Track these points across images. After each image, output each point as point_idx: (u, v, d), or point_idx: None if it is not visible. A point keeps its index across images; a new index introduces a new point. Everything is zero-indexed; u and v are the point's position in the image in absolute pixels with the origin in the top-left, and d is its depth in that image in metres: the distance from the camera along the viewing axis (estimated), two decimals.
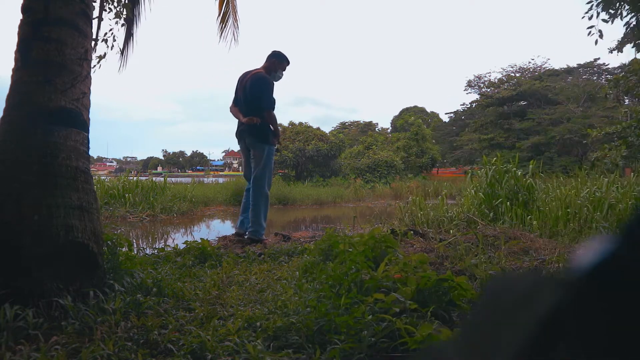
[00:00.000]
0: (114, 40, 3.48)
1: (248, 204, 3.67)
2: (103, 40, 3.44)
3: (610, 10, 4.76)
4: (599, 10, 4.79)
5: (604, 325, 0.16)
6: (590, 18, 4.87)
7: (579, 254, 0.18)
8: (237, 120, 3.74)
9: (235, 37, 4.05)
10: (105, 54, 3.52)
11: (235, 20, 4.00)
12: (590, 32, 4.91)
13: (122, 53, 3.75)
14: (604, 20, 4.83)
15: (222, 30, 3.93)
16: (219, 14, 3.91)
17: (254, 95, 3.57)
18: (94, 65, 3.66)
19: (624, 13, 4.75)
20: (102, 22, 3.24)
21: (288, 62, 3.82)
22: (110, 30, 3.38)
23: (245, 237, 3.62)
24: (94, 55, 3.57)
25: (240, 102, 3.68)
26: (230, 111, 3.78)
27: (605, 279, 0.17)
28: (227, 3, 3.90)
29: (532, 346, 0.17)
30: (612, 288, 0.17)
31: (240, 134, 3.68)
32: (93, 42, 2.12)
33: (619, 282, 0.17)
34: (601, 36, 4.90)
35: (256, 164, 3.60)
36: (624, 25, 4.86)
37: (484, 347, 0.19)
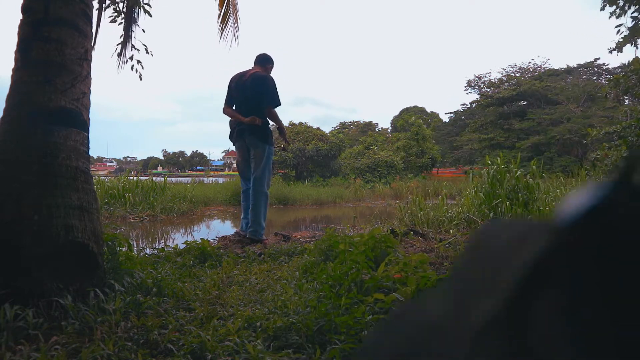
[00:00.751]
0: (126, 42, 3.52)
1: (248, 205, 3.67)
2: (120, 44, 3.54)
3: (613, 6, 4.77)
4: (621, 6, 4.78)
5: (595, 273, 0.16)
6: (618, 16, 4.87)
7: (572, 198, 0.17)
8: (229, 121, 3.75)
9: (236, 37, 4.05)
10: (133, 56, 3.61)
11: (236, 20, 3.99)
12: (619, 30, 4.92)
13: (119, 55, 3.76)
14: (634, 19, 4.82)
15: (222, 30, 3.93)
16: (220, 14, 3.90)
17: (258, 92, 3.54)
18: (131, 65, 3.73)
19: (628, 11, 4.75)
20: (101, 22, 3.24)
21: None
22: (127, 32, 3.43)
23: (246, 237, 3.63)
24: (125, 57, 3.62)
25: (238, 102, 3.67)
26: (225, 112, 3.75)
27: (596, 225, 0.17)
28: (228, 3, 3.89)
29: (520, 292, 0.16)
30: (603, 234, 0.16)
31: (239, 134, 3.64)
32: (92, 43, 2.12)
33: (611, 228, 0.16)
34: (631, 29, 4.91)
35: (257, 164, 3.59)
36: (632, 21, 4.86)
37: (467, 299, 0.19)
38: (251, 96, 3.56)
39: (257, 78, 3.59)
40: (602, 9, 4.92)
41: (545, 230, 0.18)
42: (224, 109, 3.76)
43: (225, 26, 3.93)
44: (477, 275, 0.20)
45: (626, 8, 4.76)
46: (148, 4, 3.68)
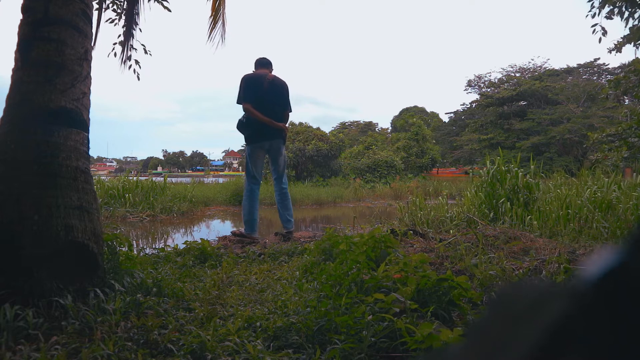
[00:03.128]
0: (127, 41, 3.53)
1: (256, 206, 3.78)
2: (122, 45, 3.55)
3: (609, 7, 4.78)
4: (597, 7, 4.81)
5: (611, 336, 0.16)
6: (593, 16, 4.90)
7: (587, 262, 0.18)
8: (246, 117, 3.75)
9: (223, 39, 4.02)
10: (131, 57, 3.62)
11: (224, 23, 3.96)
12: (594, 30, 4.94)
13: (118, 55, 3.76)
14: (607, 17, 4.85)
15: (210, 31, 3.90)
16: (211, 15, 3.89)
17: (285, 98, 3.83)
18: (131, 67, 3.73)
19: (625, 13, 4.76)
20: (100, 22, 3.25)
21: None
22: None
23: (282, 233, 3.84)
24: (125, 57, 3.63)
25: (265, 104, 3.69)
26: (248, 110, 3.68)
27: (613, 289, 0.17)
28: (220, 4, 3.88)
29: (540, 355, 0.17)
30: (620, 298, 0.17)
31: (272, 135, 3.75)
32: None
33: (627, 292, 0.17)
34: (605, 34, 4.93)
35: (282, 165, 3.88)
36: (623, 20, 4.88)
37: (492, 352, 0.19)
38: (280, 102, 3.78)
39: (283, 84, 3.83)
40: (602, 7, 4.93)
41: (565, 293, 0.19)
42: (247, 106, 3.69)
43: (214, 27, 3.91)
44: (500, 333, 0.20)
45: (616, 10, 4.78)
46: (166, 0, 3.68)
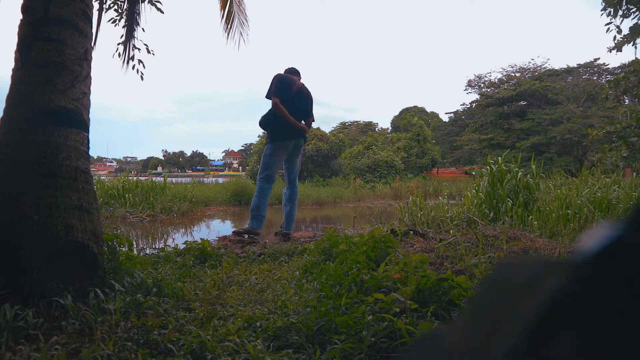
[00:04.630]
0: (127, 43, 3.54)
1: (264, 204, 3.83)
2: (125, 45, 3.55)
3: (612, 8, 4.79)
4: (611, 6, 4.82)
5: (608, 312, 0.16)
6: (608, 14, 4.90)
7: (584, 238, 0.18)
8: (279, 115, 3.82)
9: (244, 38, 4.05)
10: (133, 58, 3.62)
11: (243, 21, 3.99)
12: (608, 28, 4.94)
13: (120, 55, 3.76)
14: (623, 16, 4.85)
15: (227, 31, 3.92)
16: (223, 15, 3.90)
17: (309, 108, 4.03)
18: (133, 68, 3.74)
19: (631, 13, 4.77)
20: (101, 22, 3.25)
21: None
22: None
23: (282, 232, 3.88)
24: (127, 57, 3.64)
25: (296, 108, 3.84)
26: (279, 109, 3.74)
27: (610, 264, 0.17)
28: (231, 3, 3.89)
29: (535, 332, 0.17)
30: (617, 273, 0.17)
31: (297, 134, 3.87)
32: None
33: (625, 267, 0.17)
34: (620, 32, 4.93)
35: (299, 165, 4.03)
36: (628, 19, 4.89)
37: (485, 332, 0.19)
38: (305, 108, 3.95)
39: (309, 94, 4.02)
40: (604, 9, 4.93)
41: (561, 269, 0.19)
42: (277, 101, 3.74)
43: (230, 27, 3.93)
44: (496, 310, 0.20)
45: (620, 9, 4.78)
46: (159, 1, 3.70)
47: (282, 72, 4.06)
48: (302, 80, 4.05)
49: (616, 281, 0.16)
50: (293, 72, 4.10)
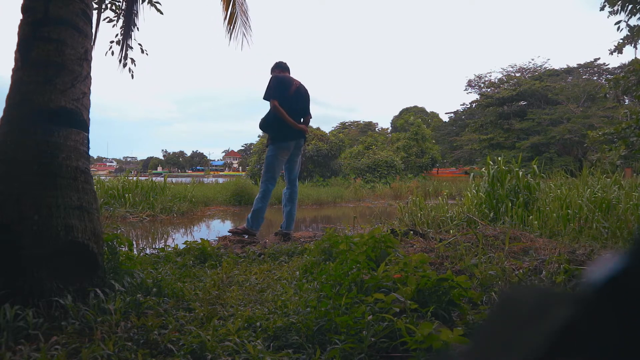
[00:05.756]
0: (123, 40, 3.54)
1: (265, 205, 3.87)
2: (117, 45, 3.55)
3: (619, 7, 4.81)
4: (607, 5, 4.84)
5: (615, 340, 0.16)
6: (616, 13, 4.93)
7: (590, 267, 0.18)
8: (281, 118, 3.83)
9: (247, 39, 4.06)
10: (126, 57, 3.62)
11: (245, 20, 3.99)
12: (618, 27, 4.96)
13: (115, 54, 3.77)
14: (633, 13, 4.88)
15: (230, 32, 3.93)
16: (226, 16, 3.90)
17: (307, 107, 4.02)
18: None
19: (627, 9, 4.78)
20: (100, 22, 3.25)
21: None
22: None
23: (283, 232, 3.89)
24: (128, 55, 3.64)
25: (295, 108, 3.86)
26: (280, 111, 3.75)
27: (616, 295, 0.17)
28: (234, 4, 3.89)
29: (546, 355, 0.17)
30: (623, 303, 0.17)
31: (297, 135, 3.89)
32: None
33: (630, 297, 0.17)
34: (630, 30, 4.96)
35: (299, 166, 4.05)
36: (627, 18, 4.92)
37: (497, 353, 0.19)
38: (303, 107, 3.97)
39: (307, 92, 4.08)
40: (602, 8, 4.95)
41: (568, 298, 0.19)
42: (276, 103, 3.76)
43: (233, 28, 3.94)
44: (504, 337, 0.20)
45: (625, 8, 4.79)
46: (158, 2, 3.70)
47: (276, 70, 4.06)
48: (301, 80, 4.05)
49: (622, 311, 0.17)
50: (284, 68, 4.09)
